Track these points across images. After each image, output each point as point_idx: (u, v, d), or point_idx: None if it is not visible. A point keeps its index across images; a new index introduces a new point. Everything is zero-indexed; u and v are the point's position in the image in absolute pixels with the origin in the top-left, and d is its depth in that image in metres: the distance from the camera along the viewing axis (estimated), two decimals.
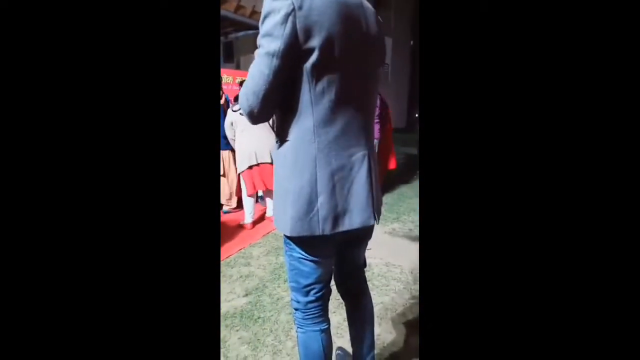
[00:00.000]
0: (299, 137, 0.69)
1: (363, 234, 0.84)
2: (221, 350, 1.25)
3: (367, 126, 0.75)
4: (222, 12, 3.43)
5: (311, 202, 0.70)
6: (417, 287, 1.66)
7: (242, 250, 2.05)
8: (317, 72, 0.64)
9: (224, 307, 1.50)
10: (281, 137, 0.73)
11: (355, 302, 0.97)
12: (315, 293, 0.80)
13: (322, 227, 0.70)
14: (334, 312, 1.46)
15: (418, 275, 1.77)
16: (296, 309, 0.82)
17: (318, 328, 0.81)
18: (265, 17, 0.62)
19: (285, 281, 1.72)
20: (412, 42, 10.42)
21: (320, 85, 0.65)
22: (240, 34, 4.41)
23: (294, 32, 0.60)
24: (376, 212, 0.76)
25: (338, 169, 0.70)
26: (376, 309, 1.49)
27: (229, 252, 2.01)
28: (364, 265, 0.94)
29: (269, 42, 0.62)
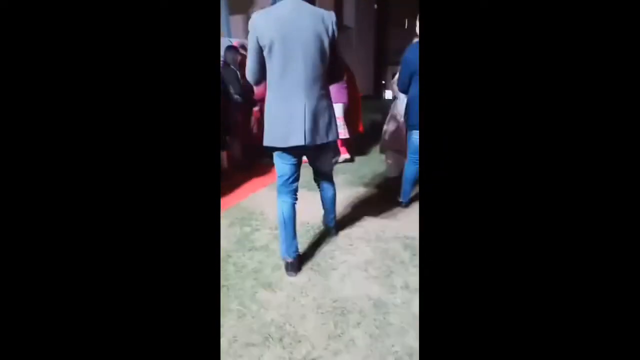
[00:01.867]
0: (269, 92, 1.32)
1: (315, 149, 1.41)
2: None
3: (306, 87, 1.27)
4: None
5: (273, 126, 1.32)
6: (378, 244, 1.73)
7: None
8: (269, 59, 1.25)
9: None
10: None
11: (320, 187, 1.66)
12: (285, 179, 1.43)
13: (278, 142, 1.31)
14: (299, 274, 1.50)
15: (380, 234, 1.83)
16: (277, 188, 1.48)
17: (285, 200, 1.47)
18: (249, 28, 1.24)
19: (249, 250, 1.72)
20: (375, 6, 10.10)
21: (272, 65, 1.25)
22: None
23: (255, 38, 1.23)
24: (307, 137, 1.29)
25: (283, 111, 1.29)
26: (341, 267, 1.54)
27: None
28: (326, 170, 1.58)
29: (249, 42, 1.26)
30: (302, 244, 1.73)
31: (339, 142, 3.15)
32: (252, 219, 2.06)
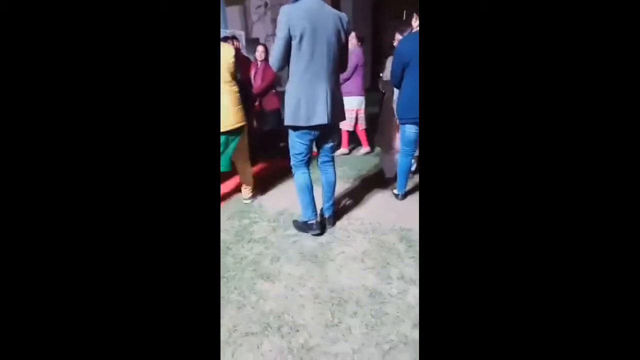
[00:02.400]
0: (292, 77, 1.50)
1: (327, 130, 1.62)
2: None
3: (326, 73, 1.49)
4: None
5: (298, 108, 1.49)
6: (375, 236, 1.76)
7: None
8: (297, 48, 1.42)
9: None
10: (289, 77, 1.52)
11: (321, 171, 1.78)
12: (302, 157, 1.64)
13: (302, 121, 1.51)
14: (297, 265, 1.52)
15: (376, 227, 1.86)
16: (293, 165, 1.67)
17: (302, 171, 1.67)
18: (278, 20, 1.40)
19: (248, 241, 1.74)
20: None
21: (299, 54, 1.43)
22: None
23: (287, 28, 1.39)
24: (329, 117, 1.51)
25: (308, 94, 1.49)
26: (338, 258, 1.57)
27: None
28: (330, 151, 1.73)
29: (278, 32, 1.41)
30: (299, 236, 1.76)
31: (362, 135, 3.21)
32: (251, 211, 2.08)
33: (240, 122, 1.88)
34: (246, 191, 2.21)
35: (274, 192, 2.39)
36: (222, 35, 2.95)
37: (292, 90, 1.50)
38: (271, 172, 2.76)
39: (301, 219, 1.78)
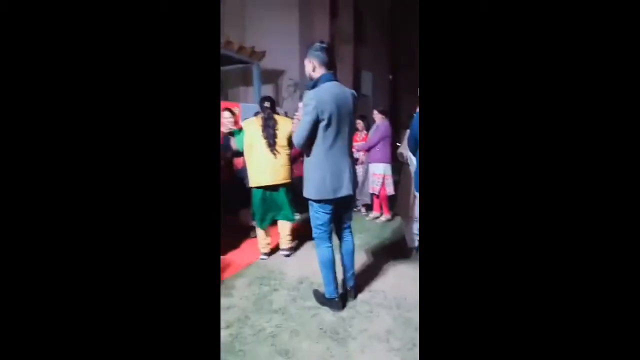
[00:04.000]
0: (316, 154, 1.57)
1: (347, 201, 1.68)
2: None
3: (347, 149, 1.61)
4: None
5: (324, 182, 1.55)
6: (400, 312, 1.66)
7: (224, 281, 2.02)
8: (325, 128, 1.52)
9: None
10: (308, 154, 1.60)
11: (340, 239, 1.78)
12: (326, 227, 1.65)
13: (329, 194, 1.56)
14: (317, 342, 1.44)
15: (401, 302, 1.77)
16: (314, 237, 1.68)
17: (326, 245, 1.66)
18: (305, 104, 1.50)
19: (268, 312, 1.69)
20: (390, 77, 11.01)
21: (325, 134, 1.53)
22: (228, 67, 4.59)
23: (316, 113, 1.48)
24: (352, 188, 1.61)
25: (334, 169, 1.56)
26: (360, 337, 1.48)
27: None
28: (349, 219, 1.77)
29: (307, 115, 1.50)
30: (319, 309, 1.70)
31: (385, 202, 3.26)
32: (272, 278, 2.06)
33: (288, 179, 2.23)
34: (285, 241, 2.35)
35: (296, 256, 2.38)
36: (255, 111, 3.29)
37: (317, 166, 1.55)
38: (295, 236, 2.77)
39: (325, 294, 1.72)
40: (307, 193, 1.60)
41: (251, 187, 2.21)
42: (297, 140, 1.56)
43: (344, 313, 1.67)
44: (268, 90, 5.82)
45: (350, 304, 1.74)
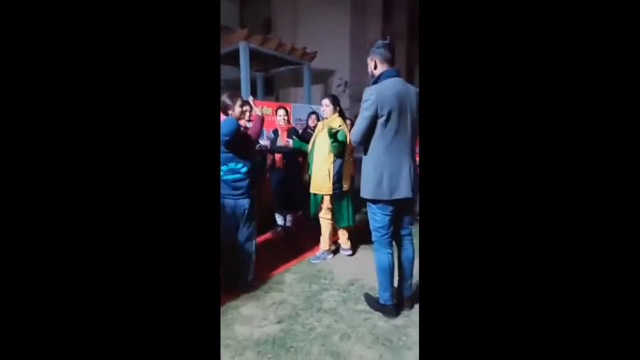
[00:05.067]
0: (374, 152, 1.50)
1: (407, 204, 1.58)
2: None
3: (408, 149, 1.51)
4: (264, 49, 3.70)
5: (381, 182, 1.49)
6: None
7: (275, 276, 2.05)
8: (384, 124, 1.45)
9: (257, 333, 1.48)
10: (366, 151, 1.54)
11: (399, 246, 1.68)
12: (385, 231, 1.57)
13: (384, 195, 1.49)
14: (369, 348, 1.38)
15: None
16: (374, 240, 1.61)
17: (385, 251, 1.59)
18: (365, 99, 1.46)
19: (318, 311, 1.68)
20: None
21: (384, 131, 1.46)
22: (280, 69, 4.72)
23: (375, 108, 1.43)
24: (413, 191, 1.50)
25: (393, 168, 1.49)
26: (416, 347, 1.39)
27: (262, 278, 2.01)
28: (410, 224, 1.66)
29: (365, 111, 1.45)
30: (370, 313, 1.64)
31: None
32: (321, 277, 2.05)
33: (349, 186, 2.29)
34: (344, 239, 2.36)
35: (346, 257, 2.34)
36: (308, 111, 3.32)
37: (374, 164, 1.49)
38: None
39: (380, 300, 1.65)
40: (363, 192, 1.54)
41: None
42: (354, 136, 1.51)
43: (399, 321, 1.59)
44: (318, 90, 5.88)
45: (404, 312, 1.65)
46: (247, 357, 1.33)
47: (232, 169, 1.75)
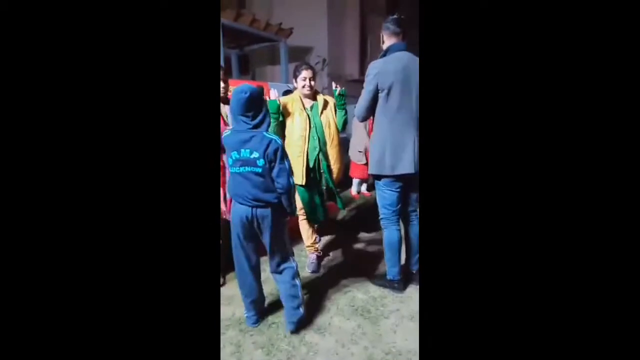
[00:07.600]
0: (378, 127, 1.52)
1: (413, 180, 1.53)
2: (235, 354, 1.25)
3: (413, 123, 1.48)
4: (237, 25, 3.53)
5: (383, 157, 1.49)
6: None
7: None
8: (385, 99, 1.46)
9: (239, 311, 1.51)
10: (374, 127, 1.55)
11: (406, 222, 1.69)
12: (393, 208, 1.58)
13: (387, 170, 1.49)
14: (348, 319, 1.45)
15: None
16: (381, 218, 1.61)
17: (394, 228, 1.60)
18: (367, 74, 1.48)
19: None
20: None
21: (387, 105, 1.46)
22: (255, 46, 4.53)
23: (376, 82, 1.45)
24: (415, 166, 1.46)
25: (396, 143, 1.48)
26: (392, 317, 1.47)
27: None
28: (417, 201, 1.63)
29: (367, 85, 1.47)
30: (350, 287, 1.70)
31: None
32: (302, 255, 2.08)
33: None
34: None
35: (328, 239, 2.39)
36: (285, 89, 3.25)
37: (378, 140, 1.50)
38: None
39: (387, 275, 1.65)
40: (370, 168, 1.57)
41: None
42: (358, 111, 1.53)
43: (375, 292, 1.66)
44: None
45: (382, 283, 1.72)
46: (229, 335, 1.37)
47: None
